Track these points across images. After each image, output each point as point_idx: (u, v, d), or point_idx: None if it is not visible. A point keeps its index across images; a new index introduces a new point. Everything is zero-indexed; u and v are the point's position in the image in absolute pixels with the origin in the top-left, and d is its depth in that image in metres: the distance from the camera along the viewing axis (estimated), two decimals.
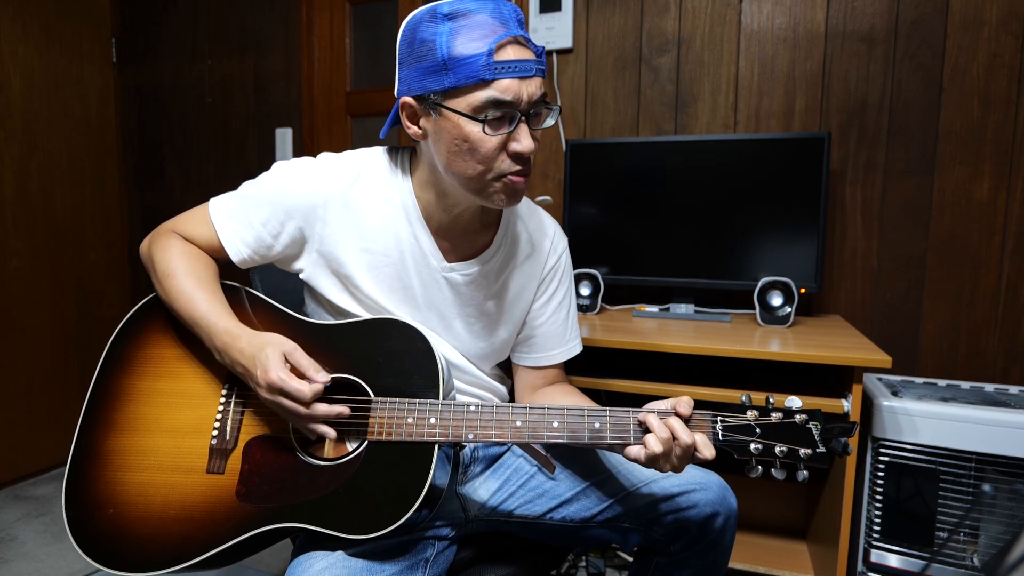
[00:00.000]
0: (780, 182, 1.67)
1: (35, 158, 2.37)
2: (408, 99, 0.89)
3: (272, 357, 0.85)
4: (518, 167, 0.88)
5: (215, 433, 0.92)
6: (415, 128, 0.91)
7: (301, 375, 0.86)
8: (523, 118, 0.86)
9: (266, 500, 0.87)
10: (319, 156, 1.01)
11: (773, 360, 1.47)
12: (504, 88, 0.83)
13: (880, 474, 1.46)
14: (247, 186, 1.00)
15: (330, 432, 0.86)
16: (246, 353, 0.87)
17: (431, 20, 0.84)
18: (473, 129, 0.84)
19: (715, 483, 1.00)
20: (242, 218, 0.98)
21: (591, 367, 1.50)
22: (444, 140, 0.87)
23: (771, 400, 0.86)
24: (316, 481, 0.86)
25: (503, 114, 0.84)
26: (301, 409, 0.84)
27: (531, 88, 0.85)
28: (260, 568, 1.78)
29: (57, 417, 2.49)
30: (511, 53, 0.83)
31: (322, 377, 0.86)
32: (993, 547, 1.40)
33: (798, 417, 0.84)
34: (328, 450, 0.91)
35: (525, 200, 1.11)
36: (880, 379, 1.61)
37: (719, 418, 0.85)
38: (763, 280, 1.65)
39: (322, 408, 0.85)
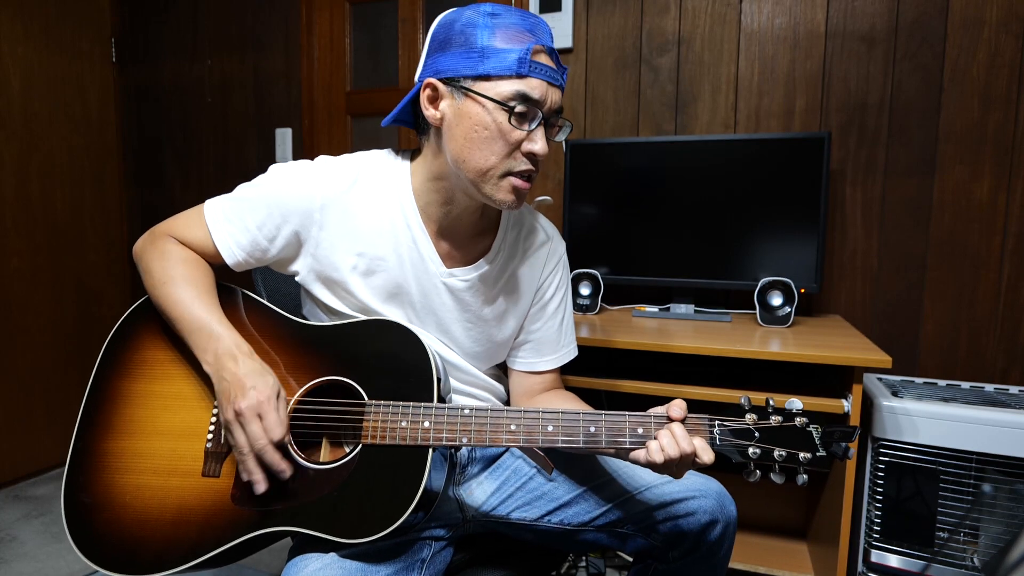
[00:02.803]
0: (780, 182, 1.66)
1: (35, 158, 2.37)
2: (434, 80, 0.90)
3: (273, 387, 0.85)
4: (528, 167, 0.90)
5: (210, 436, 0.92)
6: (432, 111, 0.91)
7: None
8: (543, 121, 0.89)
9: (260, 504, 0.86)
10: (316, 159, 1.00)
11: (773, 360, 1.47)
12: (534, 86, 0.86)
13: (880, 474, 1.46)
14: (243, 188, 0.99)
15: (260, 485, 0.84)
16: (247, 371, 0.86)
17: (474, 14, 0.88)
18: (499, 117, 0.87)
19: (714, 490, 0.99)
20: (237, 221, 0.97)
21: (591, 367, 1.50)
22: (464, 125, 0.88)
23: (771, 402, 0.85)
24: (311, 485, 0.86)
25: (527, 111, 0.87)
26: (262, 440, 0.83)
27: (555, 96, 0.89)
28: (259, 568, 1.79)
29: (57, 417, 2.49)
30: (544, 59, 0.88)
31: (286, 437, 0.85)
32: (993, 547, 1.40)
33: (798, 420, 0.82)
34: (323, 454, 0.91)
35: (524, 205, 1.11)
36: (880, 379, 1.61)
37: (716, 422, 0.84)
38: (763, 280, 1.65)
39: (276, 454, 0.84)
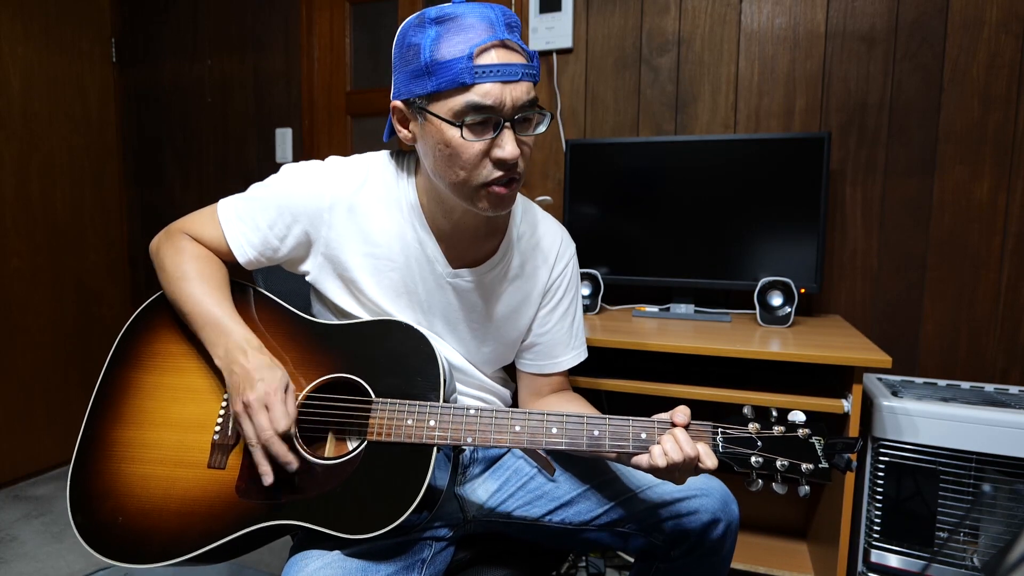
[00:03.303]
0: (780, 182, 1.66)
1: (35, 158, 2.37)
2: (397, 103, 0.89)
3: (280, 378, 0.86)
4: (500, 174, 0.86)
5: (217, 428, 0.92)
6: (405, 132, 0.91)
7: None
8: (507, 124, 0.83)
9: (265, 497, 0.87)
10: (327, 160, 1.01)
11: (773, 360, 1.46)
12: (485, 92, 0.81)
13: (880, 474, 1.46)
14: (255, 188, 1.01)
15: (267, 476, 0.85)
16: (256, 364, 0.87)
17: (419, 25, 0.84)
18: (453, 134, 0.83)
19: (717, 489, 1.00)
20: (249, 220, 0.98)
21: (591, 367, 1.49)
22: (429, 145, 0.87)
23: (774, 412, 0.85)
24: (315, 480, 0.87)
25: (485, 119, 0.83)
26: (268, 431, 0.83)
27: (516, 92, 0.83)
28: (260, 567, 1.79)
29: (57, 417, 2.49)
30: (494, 57, 0.81)
31: (292, 428, 0.86)
32: (993, 547, 1.40)
33: (801, 431, 0.82)
34: (329, 449, 0.92)
35: (532, 205, 1.11)
36: (880, 379, 1.61)
37: (720, 430, 0.84)
38: (763, 280, 1.65)
39: (282, 445, 0.84)
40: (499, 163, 0.85)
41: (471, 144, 0.84)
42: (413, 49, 0.84)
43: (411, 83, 0.85)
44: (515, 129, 0.85)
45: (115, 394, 0.97)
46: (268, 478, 0.85)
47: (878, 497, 1.46)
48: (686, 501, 0.98)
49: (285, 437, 0.85)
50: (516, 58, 0.83)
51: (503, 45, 0.82)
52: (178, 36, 2.58)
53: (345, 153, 1.05)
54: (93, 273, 2.62)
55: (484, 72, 0.80)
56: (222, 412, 0.94)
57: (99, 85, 2.61)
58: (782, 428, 0.83)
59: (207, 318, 0.92)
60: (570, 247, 1.12)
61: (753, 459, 0.82)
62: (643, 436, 0.84)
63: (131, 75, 2.68)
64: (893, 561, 1.46)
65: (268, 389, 0.84)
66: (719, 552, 0.99)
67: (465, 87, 0.81)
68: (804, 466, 0.81)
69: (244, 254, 0.99)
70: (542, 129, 0.89)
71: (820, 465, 0.81)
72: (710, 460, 0.81)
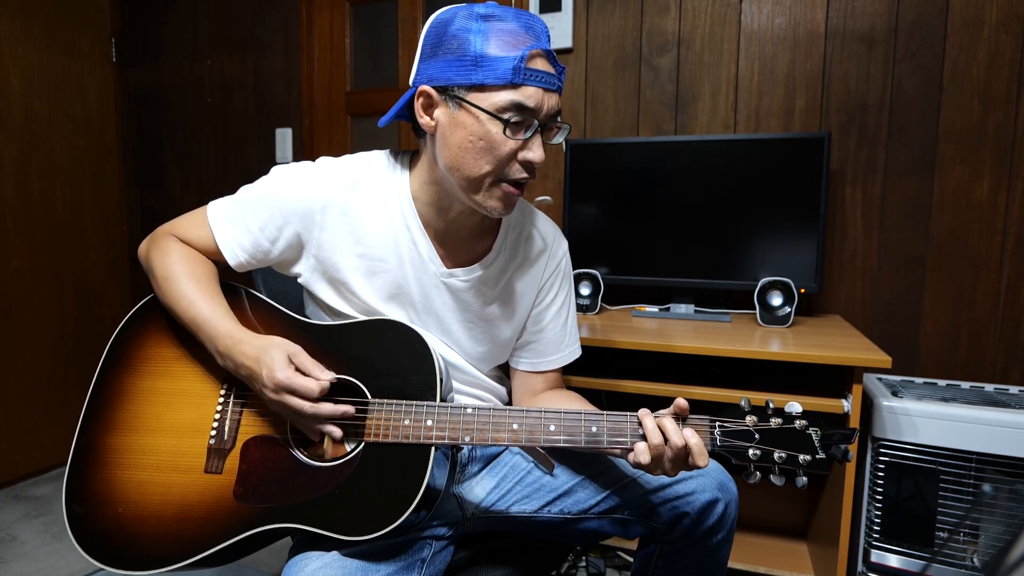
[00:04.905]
0: (780, 182, 1.66)
1: (35, 158, 2.37)
2: (427, 88, 0.89)
3: (277, 358, 0.86)
4: (523, 175, 0.90)
5: (213, 433, 0.92)
6: (427, 119, 0.91)
7: (306, 375, 0.86)
8: (539, 128, 0.88)
9: (263, 500, 0.87)
10: (318, 160, 1.00)
11: (773, 360, 1.47)
12: (529, 95, 0.85)
13: (880, 474, 1.46)
14: (245, 190, 1.00)
15: (335, 432, 0.87)
16: (249, 356, 0.87)
17: (467, 17, 0.86)
18: (493, 128, 0.86)
19: (713, 469, 1.00)
20: (240, 223, 0.98)
21: (591, 367, 1.50)
22: (458, 135, 0.88)
23: (771, 404, 0.85)
24: (313, 482, 0.86)
25: (522, 120, 0.86)
26: (307, 407, 0.84)
27: (552, 101, 0.88)
28: (259, 568, 1.78)
29: (57, 417, 2.49)
30: (539, 64, 0.86)
31: (327, 375, 0.87)
32: (993, 547, 1.40)
33: (797, 423, 0.83)
34: (326, 451, 0.91)
35: (526, 204, 1.11)
36: (880, 379, 1.61)
37: (717, 423, 0.84)
38: (763, 280, 1.65)
39: (327, 407, 0.86)
40: (526, 164, 0.90)
41: (507, 141, 0.87)
42: (459, 39, 0.86)
43: (451, 71, 0.86)
44: (540, 134, 0.90)
45: (108, 400, 0.96)
46: (337, 433, 0.87)
47: (878, 497, 1.46)
48: (683, 483, 0.98)
49: (326, 398, 0.86)
50: (553, 70, 0.88)
51: (547, 55, 0.88)
52: (178, 36, 2.58)
53: (345, 153, 1.04)
54: (93, 273, 2.62)
55: (532, 76, 0.85)
56: (217, 416, 0.93)
57: (99, 85, 2.61)
58: (779, 420, 0.83)
59: (197, 320, 0.92)
60: (563, 244, 1.12)
61: (751, 452, 0.82)
62: (641, 431, 0.85)
63: (131, 75, 2.68)
64: (893, 561, 1.46)
65: (276, 377, 0.84)
66: (720, 531, 0.99)
67: (513, 86, 0.85)
68: (802, 457, 0.81)
69: (235, 257, 0.98)
70: (559, 140, 0.94)
71: (817, 456, 0.81)
72: (702, 460, 0.82)
